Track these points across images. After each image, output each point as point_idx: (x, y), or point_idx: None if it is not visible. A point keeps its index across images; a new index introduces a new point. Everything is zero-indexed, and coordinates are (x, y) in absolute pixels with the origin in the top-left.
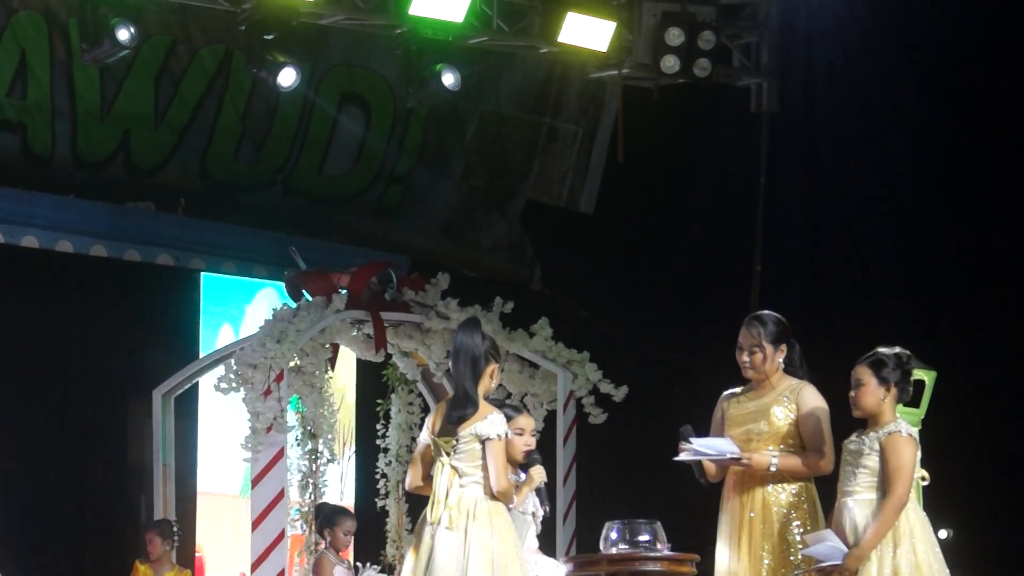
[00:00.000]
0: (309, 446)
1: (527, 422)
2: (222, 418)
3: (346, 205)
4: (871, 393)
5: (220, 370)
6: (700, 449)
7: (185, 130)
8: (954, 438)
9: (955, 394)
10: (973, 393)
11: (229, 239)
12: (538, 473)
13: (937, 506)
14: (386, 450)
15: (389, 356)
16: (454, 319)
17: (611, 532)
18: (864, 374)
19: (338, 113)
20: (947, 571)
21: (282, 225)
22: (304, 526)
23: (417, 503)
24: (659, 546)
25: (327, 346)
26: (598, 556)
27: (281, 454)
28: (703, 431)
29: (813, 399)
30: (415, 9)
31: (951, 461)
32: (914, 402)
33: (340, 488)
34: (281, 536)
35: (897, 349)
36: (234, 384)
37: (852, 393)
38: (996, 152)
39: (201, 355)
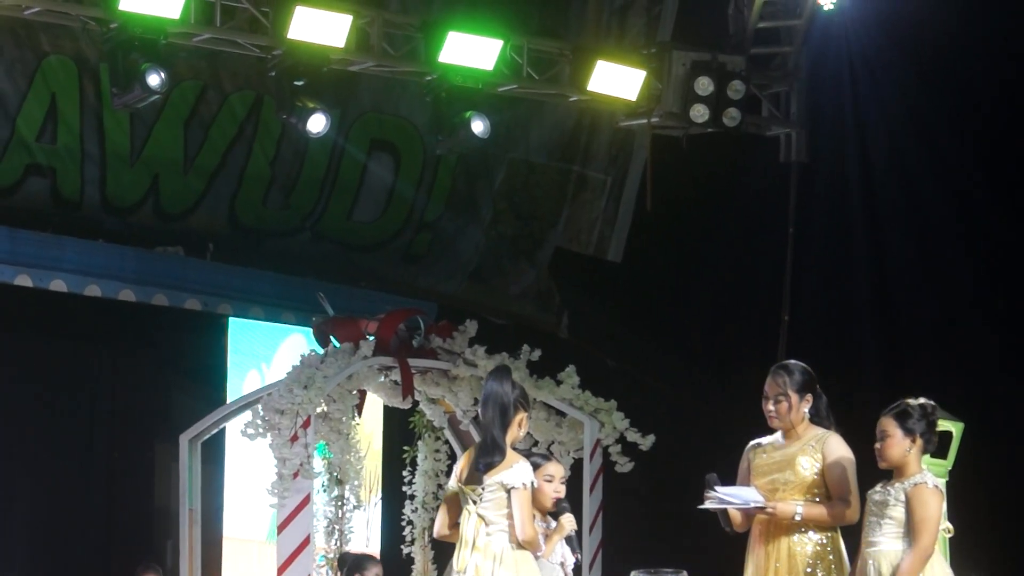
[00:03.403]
0: (335, 492)
1: (556, 469)
2: (249, 463)
3: (375, 251)
4: (897, 444)
5: (247, 415)
6: (725, 497)
7: (214, 175)
8: (981, 490)
9: (982, 445)
10: (1000, 444)
11: (257, 284)
12: (568, 521)
13: (963, 558)
14: (412, 497)
15: (416, 403)
16: (481, 366)
17: None
18: (889, 425)
19: (367, 159)
20: None
21: (310, 271)
22: (330, 572)
23: (443, 550)
24: None
25: (354, 392)
26: None
27: (307, 500)
28: (729, 480)
29: (839, 448)
30: (445, 56)
31: (978, 513)
32: (941, 453)
33: (366, 535)
34: None
35: (922, 400)
36: (261, 430)
37: (877, 445)
38: None
39: (228, 400)
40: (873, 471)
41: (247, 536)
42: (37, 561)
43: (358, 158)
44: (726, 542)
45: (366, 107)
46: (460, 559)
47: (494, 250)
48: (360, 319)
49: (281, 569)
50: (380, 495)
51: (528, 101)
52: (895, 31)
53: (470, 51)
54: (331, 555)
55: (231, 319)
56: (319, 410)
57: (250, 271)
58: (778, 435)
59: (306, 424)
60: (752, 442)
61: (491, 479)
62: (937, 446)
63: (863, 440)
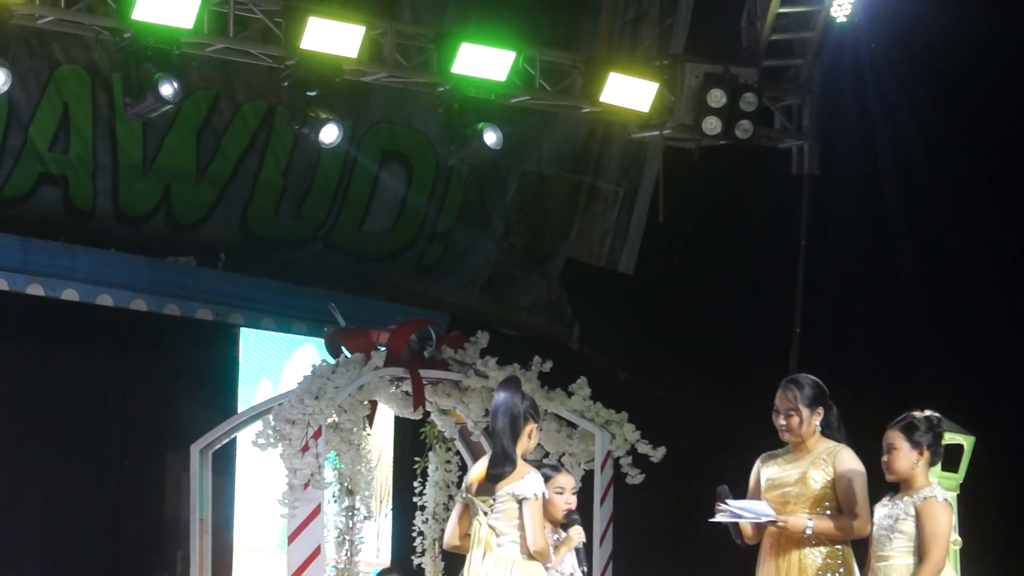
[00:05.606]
0: (346, 503)
1: (567, 481)
2: (259, 474)
3: (386, 262)
4: (904, 457)
5: (258, 425)
6: (736, 511)
7: (226, 185)
8: (992, 503)
9: (994, 459)
10: (1012, 458)
11: (269, 295)
12: (577, 533)
13: (974, 571)
14: (423, 508)
15: (427, 414)
16: (493, 377)
17: None
18: (896, 438)
19: (379, 170)
20: None
21: (322, 281)
22: None
23: (453, 561)
24: None
25: (365, 403)
26: None
27: (318, 510)
28: (740, 493)
29: (849, 462)
30: (458, 68)
31: (989, 526)
32: (952, 467)
33: (376, 545)
34: None
35: (928, 412)
36: (272, 440)
37: (884, 458)
38: None
39: (239, 410)
40: (884, 485)
41: (257, 546)
42: (48, 570)
43: (370, 169)
44: (737, 555)
45: (378, 118)
46: (470, 570)
47: (506, 261)
48: (371, 330)
49: None
50: (391, 506)
51: (540, 112)
52: (908, 44)
53: (483, 62)
54: (341, 565)
55: (242, 329)
56: (330, 421)
57: (261, 281)
58: (789, 448)
59: (317, 435)
60: (763, 455)
61: (502, 490)
62: (948, 459)
63: (874, 453)
